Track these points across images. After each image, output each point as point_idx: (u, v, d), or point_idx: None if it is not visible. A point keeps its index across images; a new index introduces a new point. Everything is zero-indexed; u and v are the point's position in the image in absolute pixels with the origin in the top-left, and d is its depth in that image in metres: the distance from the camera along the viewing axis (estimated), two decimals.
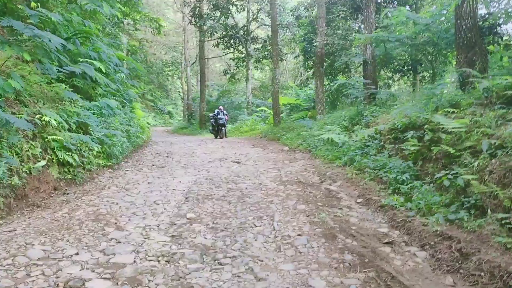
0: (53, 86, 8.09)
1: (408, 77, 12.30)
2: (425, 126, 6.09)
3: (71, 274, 3.24)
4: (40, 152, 6.39)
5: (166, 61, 44.78)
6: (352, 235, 4.14)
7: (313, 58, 18.23)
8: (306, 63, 19.46)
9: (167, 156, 10.51)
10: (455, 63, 12.67)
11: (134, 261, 3.59)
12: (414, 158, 6.00)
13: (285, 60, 32.70)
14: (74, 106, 8.36)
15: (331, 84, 18.85)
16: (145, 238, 4.25)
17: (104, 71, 8.99)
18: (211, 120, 18.72)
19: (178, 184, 7.04)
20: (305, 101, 21.20)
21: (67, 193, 6.41)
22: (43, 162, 6.30)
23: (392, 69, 13.13)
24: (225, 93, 31.82)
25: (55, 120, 6.77)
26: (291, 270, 3.35)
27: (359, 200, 5.63)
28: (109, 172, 8.19)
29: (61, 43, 7.45)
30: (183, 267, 3.44)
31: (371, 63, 11.28)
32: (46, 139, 6.58)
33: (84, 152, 7.56)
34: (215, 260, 3.62)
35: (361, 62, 12.59)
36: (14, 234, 4.36)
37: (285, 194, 5.86)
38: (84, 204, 5.66)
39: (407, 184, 5.44)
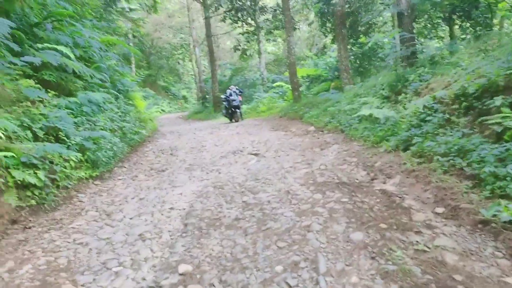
0: (16, 84, 6.39)
1: (461, 27, 10.07)
2: None
3: None
4: None
5: (174, 44, 42.83)
6: None
7: (331, 20, 16.04)
8: (324, 28, 17.17)
9: (171, 154, 8.73)
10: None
11: None
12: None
13: (298, 28, 30.21)
14: (45, 106, 6.67)
15: (353, 48, 16.64)
16: None
17: (71, 57, 7.17)
18: (224, 103, 16.81)
19: (178, 198, 5.27)
20: (325, 71, 18.99)
21: (29, 227, 4.74)
22: None
23: (433, 20, 10.85)
24: (237, 71, 29.70)
25: (4, 129, 5.06)
26: None
27: (439, 210, 3.73)
28: (95, 184, 6.48)
29: (10, 27, 5.74)
30: None
31: (408, 15, 9.11)
32: None
33: (57, 165, 5.84)
34: None
35: (388, 18, 10.42)
36: None
37: (327, 209, 3.99)
38: (41, 248, 3.96)
39: None
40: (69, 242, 4.08)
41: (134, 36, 33.51)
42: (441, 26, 14.67)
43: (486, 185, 3.72)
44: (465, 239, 3.13)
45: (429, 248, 2.96)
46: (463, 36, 13.45)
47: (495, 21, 11.41)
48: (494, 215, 3.23)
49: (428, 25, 13.80)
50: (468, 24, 10.35)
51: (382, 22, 18.27)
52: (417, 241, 3.06)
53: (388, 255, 2.86)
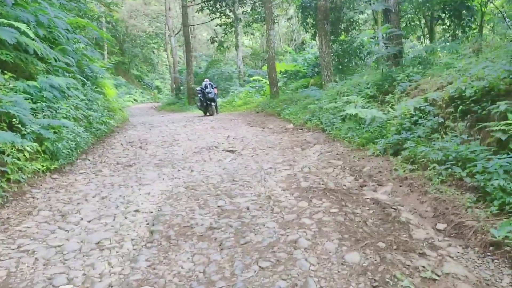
0: None
1: (448, 27, 9.79)
2: None
3: None
4: None
5: (149, 32, 41.51)
6: None
7: (313, 15, 15.61)
8: (305, 22, 16.70)
9: (140, 147, 8.09)
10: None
11: None
12: None
13: (277, 23, 29.69)
14: None
15: (333, 45, 16.29)
16: None
17: (32, 36, 6.43)
18: (199, 95, 16.16)
19: (145, 198, 4.71)
20: (304, 67, 18.61)
21: None
22: None
23: (415, 20, 10.55)
24: (214, 63, 28.91)
25: None
26: None
27: (440, 227, 3.32)
28: (53, 179, 5.82)
29: None
30: None
31: (395, 12, 8.76)
32: None
33: (8, 155, 5.15)
34: None
35: (369, 17, 10.05)
36: None
37: (315, 221, 3.52)
38: None
39: None
40: (12, 249, 3.46)
41: (107, 22, 32.14)
42: (421, 26, 14.51)
43: (493, 200, 3.33)
44: (475, 264, 2.72)
45: (438, 276, 2.52)
46: (442, 38, 13.34)
47: (473, 25, 11.28)
48: (507, 237, 2.83)
49: (409, 24, 13.63)
50: (453, 25, 10.10)
51: (363, 20, 18.05)
52: (424, 267, 2.62)
53: (393, 284, 2.41)
